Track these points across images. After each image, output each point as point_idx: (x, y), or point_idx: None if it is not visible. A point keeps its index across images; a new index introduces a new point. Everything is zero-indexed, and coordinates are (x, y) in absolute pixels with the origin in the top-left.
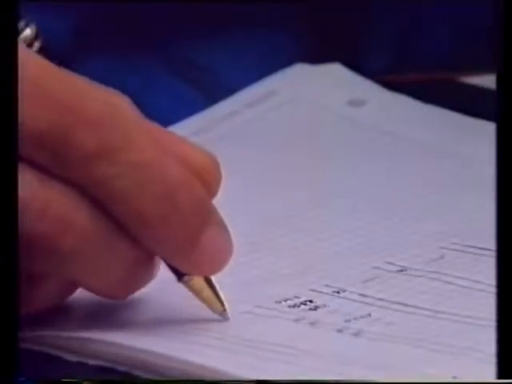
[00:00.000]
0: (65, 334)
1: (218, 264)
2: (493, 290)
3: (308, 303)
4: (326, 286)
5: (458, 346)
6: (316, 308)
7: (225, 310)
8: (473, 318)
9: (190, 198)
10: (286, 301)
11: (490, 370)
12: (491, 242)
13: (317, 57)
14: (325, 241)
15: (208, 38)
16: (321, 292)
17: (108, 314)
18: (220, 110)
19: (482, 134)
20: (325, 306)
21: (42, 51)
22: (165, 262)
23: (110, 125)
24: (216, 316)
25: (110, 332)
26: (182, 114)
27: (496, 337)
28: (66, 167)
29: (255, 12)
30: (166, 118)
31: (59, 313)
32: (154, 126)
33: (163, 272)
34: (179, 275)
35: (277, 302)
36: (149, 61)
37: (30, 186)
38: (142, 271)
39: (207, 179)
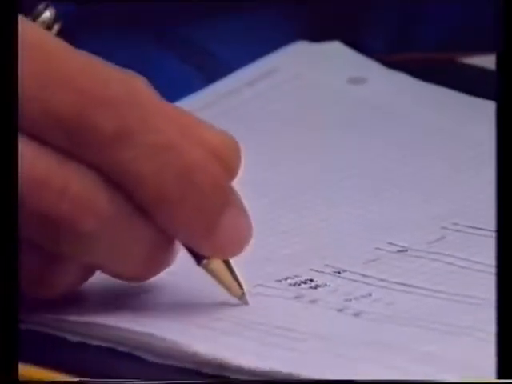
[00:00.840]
0: (68, 318)
1: (238, 246)
2: (492, 270)
3: (308, 282)
4: (327, 265)
5: (458, 326)
6: (316, 287)
7: (243, 293)
8: (473, 297)
9: (209, 179)
10: (286, 279)
11: (489, 350)
12: (492, 223)
13: (316, 36)
14: (325, 221)
15: (207, 18)
16: (322, 272)
17: (110, 298)
18: (220, 88)
19: (483, 114)
20: (325, 285)
21: (60, 34)
22: (184, 245)
23: (128, 106)
24: (228, 299)
25: (112, 316)
26: (181, 94)
27: (496, 336)
28: (84, 149)
29: None
30: (165, 97)
31: (63, 296)
32: (173, 108)
33: None
34: (198, 258)
35: (277, 280)
36: (147, 40)
37: (48, 166)
38: (161, 254)
39: (226, 161)
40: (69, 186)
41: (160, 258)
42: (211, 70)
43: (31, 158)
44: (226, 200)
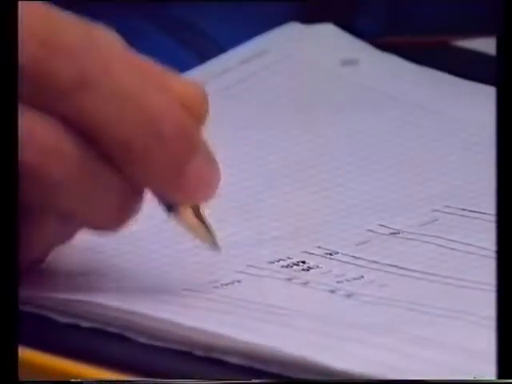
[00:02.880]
0: (56, 295)
1: (206, 192)
2: (485, 252)
3: (300, 264)
4: (319, 247)
5: (450, 309)
6: (308, 269)
7: (215, 240)
8: (465, 280)
9: (174, 126)
10: (278, 261)
11: (480, 333)
12: (484, 206)
13: (309, 18)
14: (317, 203)
15: None
16: (313, 254)
17: (100, 276)
18: (212, 68)
19: (477, 97)
20: (317, 267)
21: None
22: (153, 193)
23: (90, 55)
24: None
25: (101, 294)
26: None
27: (496, 336)
28: (47, 98)
29: None
30: None
31: (50, 274)
32: (138, 58)
33: (157, 237)
34: (168, 207)
35: (269, 262)
36: (139, 19)
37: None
38: (131, 202)
39: (193, 108)
40: (34, 135)
41: (130, 206)
42: (203, 50)
43: None
44: (194, 147)
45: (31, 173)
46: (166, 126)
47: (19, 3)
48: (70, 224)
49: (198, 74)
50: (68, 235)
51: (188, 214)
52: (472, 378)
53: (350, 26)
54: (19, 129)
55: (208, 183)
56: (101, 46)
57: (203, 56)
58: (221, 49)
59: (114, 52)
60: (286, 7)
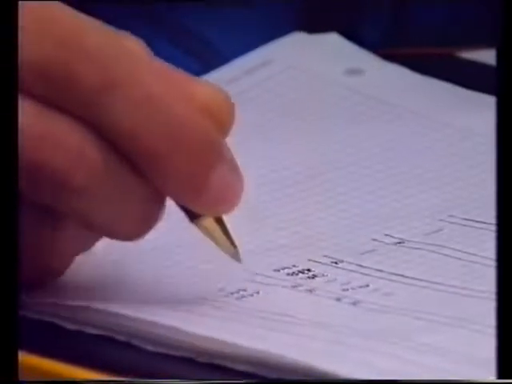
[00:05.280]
0: (63, 302)
1: (229, 203)
2: (489, 262)
3: (306, 272)
4: (325, 256)
5: (454, 317)
6: (314, 277)
7: (237, 250)
8: (470, 289)
9: (198, 134)
10: (284, 269)
11: (485, 342)
12: (489, 215)
13: (314, 27)
14: (322, 212)
15: (205, 6)
16: (319, 262)
17: (107, 284)
18: (217, 78)
19: (480, 107)
20: (323, 275)
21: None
22: (176, 202)
23: (114, 59)
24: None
25: (107, 301)
26: None
27: (496, 337)
28: (72, 102)
29: None
30: None
31: (60, 281)
32: (163, 64)
33: (164, 245)
34: (191, 216)
35: (275, 270)
36: (144, 28)
37: (39, 120)
38: (154, 211)
39: (217, 116)
40: (61, 141)
41: (152, 215)
42: (207, 59)
43: (25, 114)
44: (216, 156)
45: (55, 177)
46: (191, 133)
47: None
48: (91, 231)
49: None
50: (88, 244)
51: (211, 223)
52: (472, 379)
53: (354, 35)
54: (47, 133)
55: (232, 193)
56: (126, 51)
57: (207, 65)
58: (225, 58)
59: (139, 57)
60: (290, 17)
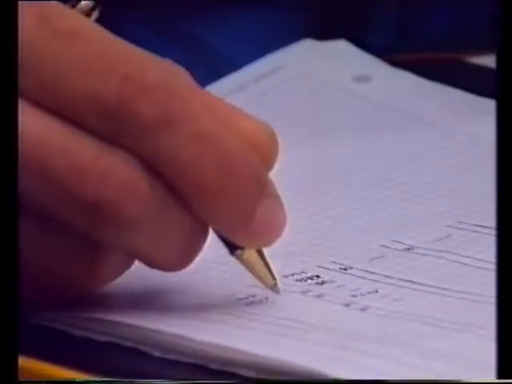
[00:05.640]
0: (73, 313)
1: (273, 236)
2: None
3: (315, 278)
4: (333, 262)
5: (462, 323)
6: (323, 283)
7: (276, 283)
8: (478, 295)
9: (247, 170)
10: (292, 275)
11: (493, 348)
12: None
13: (322, 35)
14: (331, 218)
15: (213, 14)
16: (328, 268)
17: (116, 293)
18: (226, 85)
19: (488, 112)
20: (332, 281)
21: (99, 21)
22: (218, 234)
23: (168, 94)
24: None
25: (116, 311)
26: None
27: (496, 336)
28: (126, 136)
29: None
30: None
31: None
32: (211, 96)
33: None
34: (232, 248)
35: (284, 276)
36: (152, 35)
37: (91, 153)
38: (197, 243)
39: (264, 151)
40: (112, 173)
41: (196, 246)
42: (215, 66)
43: (76, 145)
44: (263, 190)
45: (107, 211)
46: (240, 168)
47: (90, 33)
48: (132, 259)
49: (212, 91)
50: (126, 268)
51: (251, 256)
52: (472, 379)
53: (362, 42)
54: (99, 166)
55: (275, 226)
56: (177, 84)
57: (215, 73)
58: (233, 65)
59: (191, 92)
60: (299, 24)
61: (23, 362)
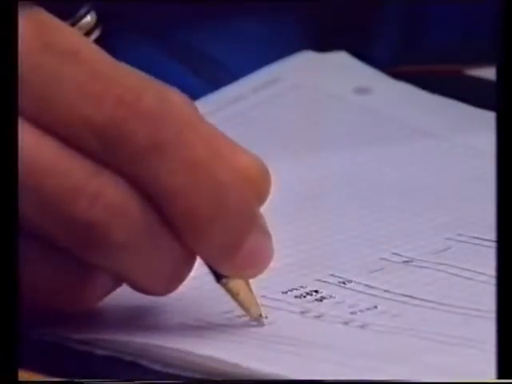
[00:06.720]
0: (72, 334)
1: (259, 268)
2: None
3: (314, 294)
4: (332, 275)
5: (463, 338)
6: (322, 299)
7: (261, 314)
8: (478, 310)
9: (239, 201)
10: (291, 291)
11: (494, 362)
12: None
13: (322, 46)
14: (330, 230)
15: (208, 24)
16: (326, 282)
17: (112, 310)
18: (224, 95)
19: (488, 125)
20: (330, 296)
21: (99, 40)
22: (205, 262)
23: (164, 120)
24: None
25: (112, 328)
26: None
27: (496, 337)
28: (119, 159)
29: None
30: None
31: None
32: (209, 127)
33: None
34: (218, 277)
35: (283, 292)
36: (151, 46)
37: (82, 173)
38: (184, 270)
39: (257, 185)
40: (102, 194)
41: (182, 274)
42: (214, 77)
43: (68, 165)
44: (253, 223)
45: (95, 232)
46: (231, 199)
47: (87, 54)
48: (119, 282)
49: (211, 101)
50: (117, 287)
51: (237, 285)
52: (472, 379)
53: (363, 54)
54: (89, 187)
55: (262, 258)
56: (174, 112)
57: (214, 83)
58: (232, 76)
59: (186, 118)
60: (298, 35)
61: (22, 374)
